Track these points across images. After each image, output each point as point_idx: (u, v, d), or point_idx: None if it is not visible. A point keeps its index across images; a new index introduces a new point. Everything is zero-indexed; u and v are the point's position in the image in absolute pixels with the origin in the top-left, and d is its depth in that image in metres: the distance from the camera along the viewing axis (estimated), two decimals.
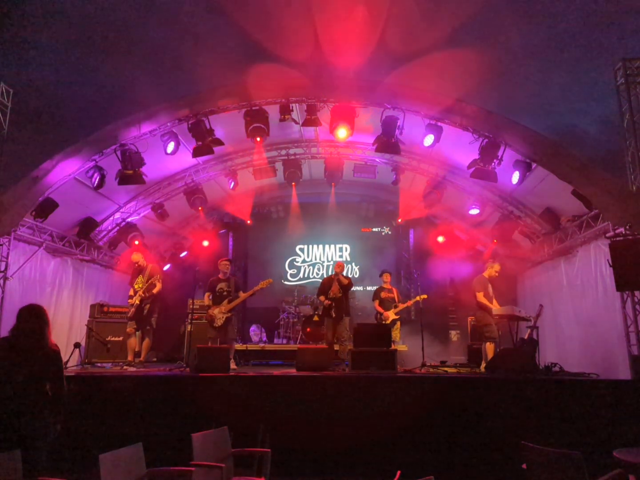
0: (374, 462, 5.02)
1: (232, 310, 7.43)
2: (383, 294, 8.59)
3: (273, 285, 11.40)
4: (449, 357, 9.51)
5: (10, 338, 3.32)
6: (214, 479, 3.30)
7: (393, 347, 6.98)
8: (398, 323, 8.50)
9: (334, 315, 7.71)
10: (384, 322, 8.30)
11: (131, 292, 7.64)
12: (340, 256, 11.91)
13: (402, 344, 8.81)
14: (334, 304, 7.75)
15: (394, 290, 8.80)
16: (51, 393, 3.28)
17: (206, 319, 7.54)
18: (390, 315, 8.37)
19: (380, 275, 8.93)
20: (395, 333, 8.31)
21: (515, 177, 7.34)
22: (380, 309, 8.50)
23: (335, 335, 7.73)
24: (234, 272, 11.90)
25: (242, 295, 7.55)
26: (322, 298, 7.97)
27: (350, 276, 11.58)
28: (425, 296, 8.37)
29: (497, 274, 7.57)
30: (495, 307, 7.21)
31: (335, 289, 7.83)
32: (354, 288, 11.30)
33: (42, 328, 3.36)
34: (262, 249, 11.86)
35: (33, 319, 3.36)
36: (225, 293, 7.49)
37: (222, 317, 7.34)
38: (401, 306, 8.52)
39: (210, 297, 7.51)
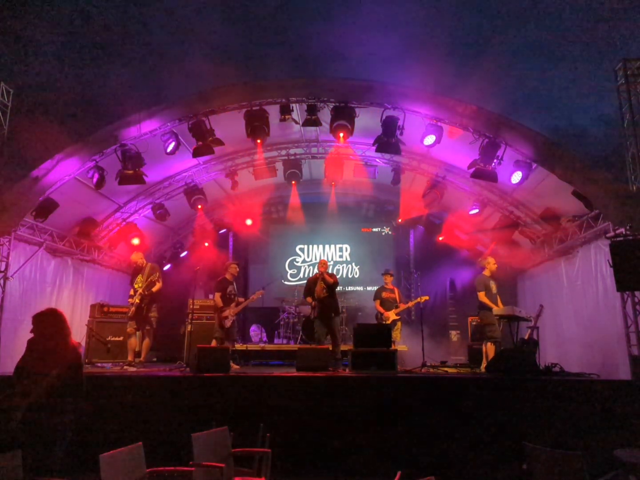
0: (374, 462, 5.03)
1: (238, 313, 7.91)
2: (384, 294, 8.55)
3: (273, 285, 11.51)
4: (449, 357, 9.50)
5: (37, 340, 3.42)
6: (214, 479, 3.30)
7: (393, 347, 6.96)
8: (399, 323, 8.45)
9: (323, 315, 7.50)
10: (384, 322, 8.28)
11: (132, 292, 7.63)
12: (340, 256, 11.92)
13: (402, 344, 8.79)
14: (320, 305, 7.51)
15: (396, 290, 8.73)
16: (71, 392, 3.35)
17: (220, 319, 7.68)
18: (391, 315, 8.34)
19: (383, 275, 8.85)
20: (396, 333, 8.27)
21: (516, 177, 7.34)
22: (380, 309, 8.46)
23: (327, 335, 7.68)
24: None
25: (244, 301, 7.97)
26: (309, 299, 7.73)
27: (350, 276, 11.70)
28: (427, 297, 8.37)
29: (496, 266, 7.65)
30: (499, 307, 7.20)
31: (319, 288, 7.61)
32: (353, 288, 11.39)
33: (63, 332, 3.49)
34: (262, 249, 11.87)
35: (53, 326, 3.46)
36: (232, 296, 7.87)
37: (231, 320, 7.70)
38: (402, 307, 8.48)
39: (221, 297, 7.74)
